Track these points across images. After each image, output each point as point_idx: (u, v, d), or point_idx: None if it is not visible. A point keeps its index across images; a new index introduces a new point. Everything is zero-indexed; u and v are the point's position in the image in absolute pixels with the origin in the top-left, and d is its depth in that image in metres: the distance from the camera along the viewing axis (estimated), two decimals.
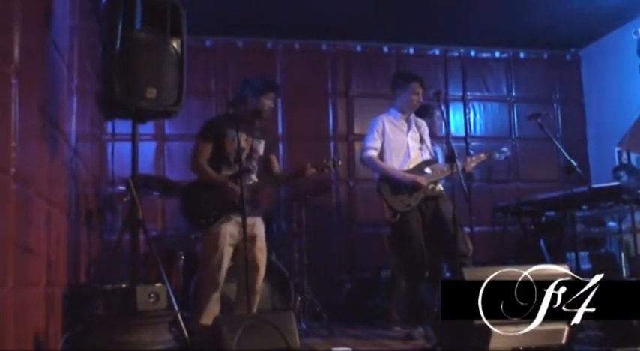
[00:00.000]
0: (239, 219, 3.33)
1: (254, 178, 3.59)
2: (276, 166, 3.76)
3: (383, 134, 4.16)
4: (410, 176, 4.03)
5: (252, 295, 3.18)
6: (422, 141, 4.22)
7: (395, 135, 4.17)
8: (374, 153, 4.14)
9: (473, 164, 4.23)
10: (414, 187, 3.99)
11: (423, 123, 4.31)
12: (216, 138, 3.51)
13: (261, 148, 3.64)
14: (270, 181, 3.79)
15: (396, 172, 4.06)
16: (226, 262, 3.40)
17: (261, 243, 3.58)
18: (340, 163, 3.86)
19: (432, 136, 4.38)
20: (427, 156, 4.21)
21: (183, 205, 3.59)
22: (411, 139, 4.20)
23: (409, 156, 4.14)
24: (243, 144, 3.46)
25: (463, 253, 3.75)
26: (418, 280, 3.98)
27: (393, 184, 4.03)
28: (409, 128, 4.22)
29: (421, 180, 3.99)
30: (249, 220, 3.38)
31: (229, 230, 3.39)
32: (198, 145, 3.57)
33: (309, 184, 5.08)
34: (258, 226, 3.57)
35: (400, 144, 4.16)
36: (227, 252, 3.38)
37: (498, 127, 6.67)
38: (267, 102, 3.56)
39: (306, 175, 3.57)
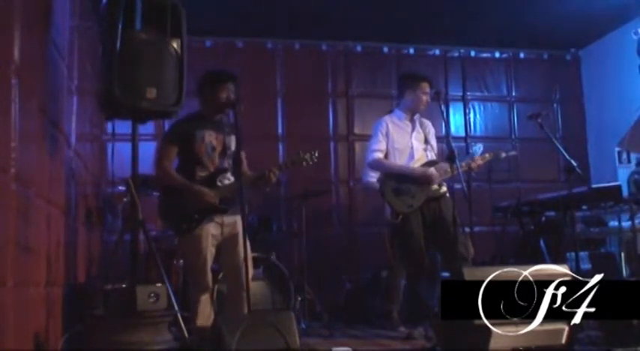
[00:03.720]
0: (219, 219, 3.33)
1: (230, 176, 3.45)
2: (245, 165, 3.52)
3: (387, 135, 4.14)
4: (420, 169, 4.00)
5: (245, 293, 3.12)
6: (426, 141, 4.20)
7: (399, 136, 4.15)
8: (380, 155, 4.11)
9: (480, 162, 4.17)
10: (424, 181, 3.95)
11: (428, 123, 4.27)
12: (182, 141, 3.37)
13: (232, 143, 3.49)
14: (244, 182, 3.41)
15: (404, 168, 4.03)
16: (210, 264, 3.34)
17: (242, 241, 3.34)
18: (317, 154, 3.48)
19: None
20: (432, 156, 4.18)
21: (162, 209, 3.45)
22: (415, 140, 4.16)
23: (413, 157, 4.11)
24: (214, 142, 3.39)
25: (463, 257, 3.73)
26: (418, 280, 3.98)
27: (396, 185, 4.00)
28: (413, 128, 4.18)
29: (432, 173, 3.95)
30: (230, 219, 3.34)
31: (210, 231, 3.32)
32: (163, 147, 3.43)
33: (309, 184, 5.11)
34: (239, 224, 3.32)
35: (404, 145, 4.13)
36: (210, 253, 3.32)
37: (498, 127, 6.66)
38: (224, 95, 3.39)
39: (271, 180, 3.35)
